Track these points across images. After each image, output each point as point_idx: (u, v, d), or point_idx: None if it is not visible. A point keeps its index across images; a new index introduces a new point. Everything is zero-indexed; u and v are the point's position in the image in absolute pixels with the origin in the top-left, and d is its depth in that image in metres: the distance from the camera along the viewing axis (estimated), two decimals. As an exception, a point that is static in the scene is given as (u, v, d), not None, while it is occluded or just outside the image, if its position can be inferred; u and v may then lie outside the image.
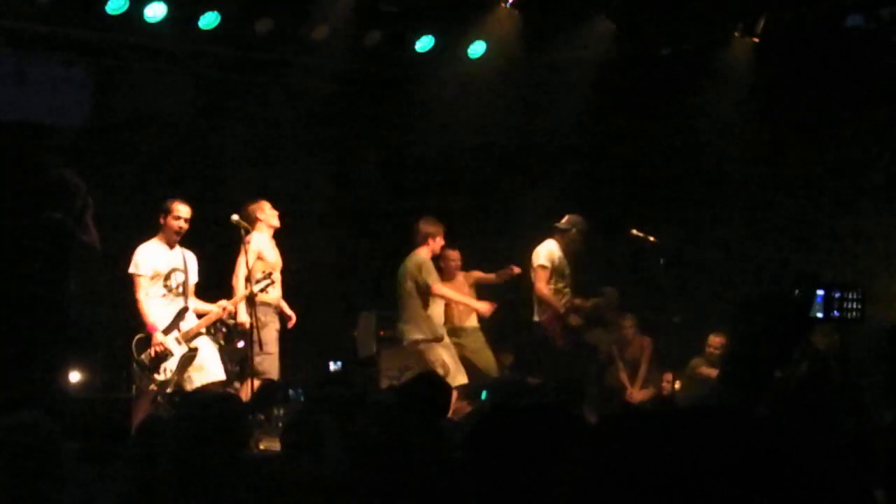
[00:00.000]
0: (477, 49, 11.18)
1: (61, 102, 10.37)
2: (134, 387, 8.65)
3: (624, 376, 11.02)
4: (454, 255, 10.47)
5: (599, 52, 10.74)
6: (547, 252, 10.14)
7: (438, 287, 10.00)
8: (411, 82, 11.58)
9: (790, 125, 10.70)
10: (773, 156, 10.88)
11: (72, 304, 8.02)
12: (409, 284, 9.95)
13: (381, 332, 10.74)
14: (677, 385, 10.56)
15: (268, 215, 9.52)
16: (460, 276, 10.61)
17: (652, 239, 10.24)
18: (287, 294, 9.68)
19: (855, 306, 2.65)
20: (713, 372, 10.60)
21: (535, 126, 11.52)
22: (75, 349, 8.45)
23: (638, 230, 10.30)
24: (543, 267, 10.08)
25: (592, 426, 2.41)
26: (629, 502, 1.74)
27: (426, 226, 10.07)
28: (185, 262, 8.75)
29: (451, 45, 11.15)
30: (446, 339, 10.02)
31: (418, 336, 9.91)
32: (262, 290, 8.83)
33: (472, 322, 10.57)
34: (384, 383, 9.92)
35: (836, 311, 2.64)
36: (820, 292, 2.58)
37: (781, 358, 2.56)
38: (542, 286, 10.06)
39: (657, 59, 11.32)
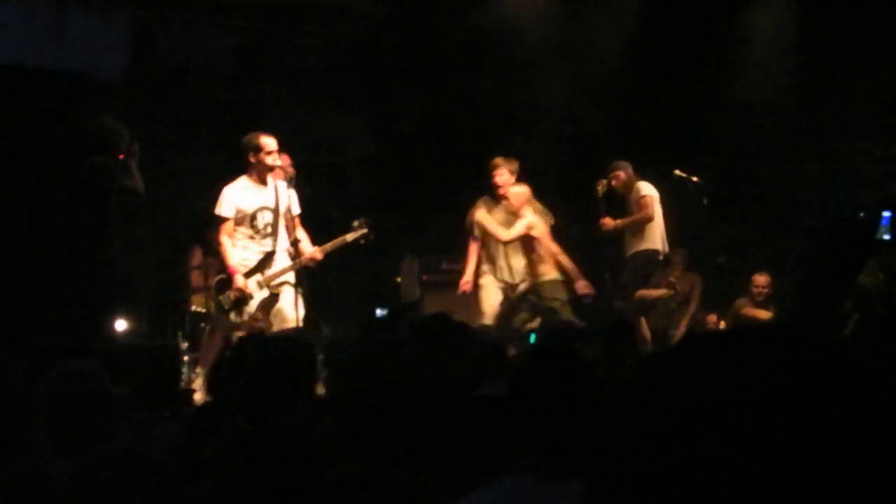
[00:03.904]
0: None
1: (100, 54, 10.39)
2: (208, 326, 8.62)
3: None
4: None
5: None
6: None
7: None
8: (449, 25, 11.51)
9: (834, 63, 10.57)
10: (817, 94, 10.76)
11: (114, 252, 8.02)
12: None
13: (425, 277, 10.69)
14: (722, 326, 10.51)
15: None
16: None
17: (695, 179, 10.11)
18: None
19: (923, 228, 2.60)
20: (759, 312, 10.54)
21: (574, 66, 11.41)
22: (120, 297, 8.45)
23: (681, 170, 10.17)
24: None
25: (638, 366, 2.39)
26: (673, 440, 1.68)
27: None
28: (276, 199, 8.31)
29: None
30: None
31: None
32: (355, 240, 8.65)
33: None
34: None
35: (904, 233, 2.59)
36: (886, 214, 2.52)
37: (849, 281, 2.54)
38: None
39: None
